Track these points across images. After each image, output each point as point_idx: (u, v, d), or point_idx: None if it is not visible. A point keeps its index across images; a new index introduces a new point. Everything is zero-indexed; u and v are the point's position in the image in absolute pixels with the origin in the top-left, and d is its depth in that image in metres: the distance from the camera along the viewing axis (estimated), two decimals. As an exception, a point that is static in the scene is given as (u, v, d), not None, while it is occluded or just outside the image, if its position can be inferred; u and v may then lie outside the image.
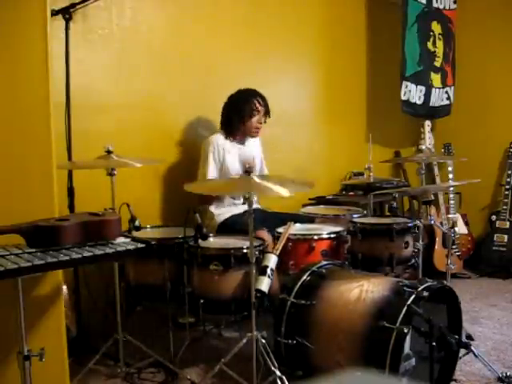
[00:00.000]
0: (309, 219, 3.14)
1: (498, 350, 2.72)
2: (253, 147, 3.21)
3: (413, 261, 2.92)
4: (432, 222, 3.07)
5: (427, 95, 4.47)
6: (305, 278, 2.29)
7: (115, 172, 2.37)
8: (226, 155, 3.02)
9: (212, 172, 2.98)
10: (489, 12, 4.49)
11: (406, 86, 4.27)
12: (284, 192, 2.11)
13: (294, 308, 2.21)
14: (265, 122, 3.11)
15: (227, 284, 2.37)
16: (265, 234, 2.70)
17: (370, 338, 1.98)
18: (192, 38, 3.27)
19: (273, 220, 2.94)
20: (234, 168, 3.04)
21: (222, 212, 3.05)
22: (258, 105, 3.05)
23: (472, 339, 2.74)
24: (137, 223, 2.30)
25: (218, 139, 3.04)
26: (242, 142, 3.15)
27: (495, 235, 4.27)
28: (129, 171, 2.64)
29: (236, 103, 3.06)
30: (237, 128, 3.08)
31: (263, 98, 3.07)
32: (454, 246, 4.07)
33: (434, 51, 4.50)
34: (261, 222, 2.75)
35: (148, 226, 2.76)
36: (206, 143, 3.04)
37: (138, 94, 3.04)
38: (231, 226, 2.90)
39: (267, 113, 3.08)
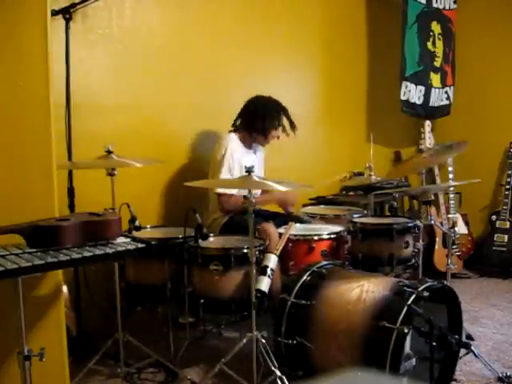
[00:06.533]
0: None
1: (497, 350, 2.72)
2: (260, 153, 3.21)
3: (413, 261, 2.93)
4: (432, 222, 3.06)
5: (427, 95, 4.47)
6: (305, 278, 2.29)
7: (115, 172, 2.37)
8: (241, 159, 2.95)
9: (225, 176, 2.91)
10: (489, 12, 4.48)
11: (406, 86, 4.27)
12: (282, 189, 2.26)
13: (294, 308, 2.21)
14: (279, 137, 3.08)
15: (227, 284, 2.37)
16: (271, 226, 2.69)
17: (370, 338, 1.97)
18: (192, 37, 3.27)
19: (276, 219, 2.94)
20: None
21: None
22: (284, 121, 3.03)
23: (472, 339, 2.74)
24: (137, 223, 2.30)
25: (234, 142, 2.99)
26: (250, 147, 3.11)
27: (495, 235, 4.27)
28: (129, 171, 2.64)
29: (265, 111, 3.00)
30: (255, 134, 3.04)
31: (289, 117, 3.05)
32: (454, 246, 4.07)
33: (434, 51, 4.50)
34: (265, 219, 2.76)
35: (148, 226, 2.76)
36: (221, 146, 2.97)
37: (137, 93, 3.04)
38: (235, 225, 2.89)
39: (284, 129, 3.06)
